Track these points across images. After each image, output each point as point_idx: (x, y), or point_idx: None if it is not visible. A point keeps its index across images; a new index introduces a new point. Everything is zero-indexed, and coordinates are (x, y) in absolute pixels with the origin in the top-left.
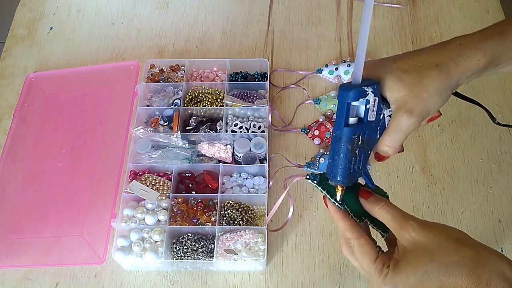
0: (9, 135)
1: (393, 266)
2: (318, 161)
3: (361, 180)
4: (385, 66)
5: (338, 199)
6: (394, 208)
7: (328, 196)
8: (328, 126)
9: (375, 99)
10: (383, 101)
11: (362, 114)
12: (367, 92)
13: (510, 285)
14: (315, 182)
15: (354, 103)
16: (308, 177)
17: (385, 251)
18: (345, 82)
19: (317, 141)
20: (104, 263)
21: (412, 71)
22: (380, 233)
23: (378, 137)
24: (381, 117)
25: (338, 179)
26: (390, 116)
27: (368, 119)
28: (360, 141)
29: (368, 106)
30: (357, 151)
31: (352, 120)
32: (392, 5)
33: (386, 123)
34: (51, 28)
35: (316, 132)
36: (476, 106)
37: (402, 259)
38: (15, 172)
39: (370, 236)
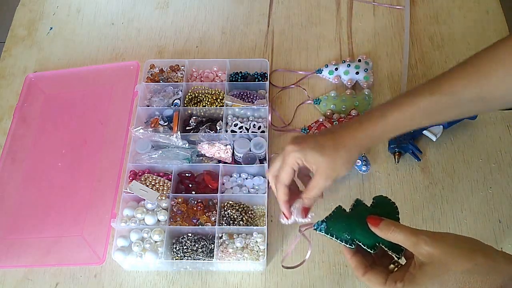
0: (9, 135)
1: (409, 279)
2: None
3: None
4: (307, 141)
5: (396, 162)
6: (404, 228)
7: (338, 241)
8: (327, 126)
9: None
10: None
11: None
12: None
13: None
14: (322, 232)
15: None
16: (315, 228)
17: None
18: (345, 82)
19: None
20: (104, 263)
21: (329, 147)
22: (394, 256)
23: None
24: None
25: (390, 147)
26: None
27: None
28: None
29: None
30: (399, 137)
31: None
32: (392, 6)
33: (421, 130)
34: (51, 28)
35: (316, 133)
36: None
37: (419, 272)
38: (15, 172)
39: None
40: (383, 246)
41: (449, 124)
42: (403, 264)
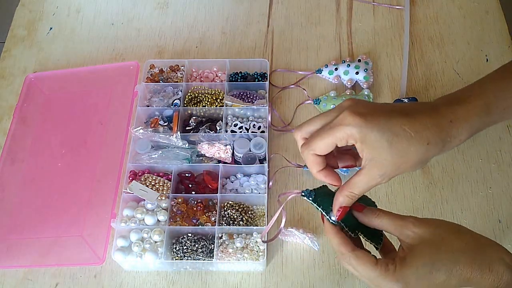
0: (9, 135)
1: (399, 262)
2: None
3: None
4: (373, 118)
5: None
6: (389, 213)
7: (323, 213)
8: None
9: None
10: None
11: None
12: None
13: (509, 268)
14: (310, 199)
15: None
16: (303, 194)
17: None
18: (344, 82)
19: None
20: (104, 264)
21: (403, 139)
22: (374, 245)
23: None
24: None
25: None
26: None
27: None
28: None
29: None
30: None
31: None
32: (392, 6)
33: None
34: (51, 28)
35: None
36: None
37: (409, 254)
38: (15, 172)
39: (363, 248)
40: (361, 236)
41: None
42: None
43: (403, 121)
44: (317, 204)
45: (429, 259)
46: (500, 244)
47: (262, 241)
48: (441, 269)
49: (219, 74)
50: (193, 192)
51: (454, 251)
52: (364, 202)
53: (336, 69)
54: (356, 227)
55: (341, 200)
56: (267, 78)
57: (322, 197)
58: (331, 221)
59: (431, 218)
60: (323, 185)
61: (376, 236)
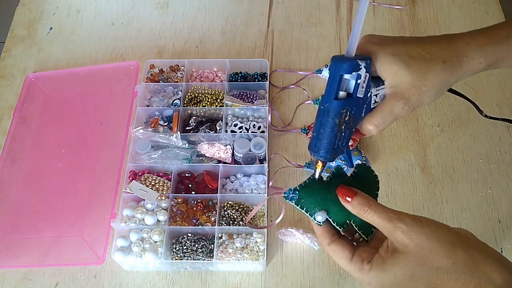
0: (9, 135)
1: (377, 263)
2: None
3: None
4: (389, 45)
5: (317, 176)
6: (380, 211)
7: (307, 215)
8: None
9: (366, 75)
10: (372, 79)
11: (352, 89)
12: (361, 67)
13: None
14: (293, 202)
15: (346, 76)
16: (285, 195)
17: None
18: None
19: None
20: (104, 264)
21: (419, 60)
22: (363, 238)
23: (363, 115)
24: (368, 94)
25: (321, 153)
26: (376, 95)
27: (357, 95)
28: (348, 116)
29: (359, 81)
30: (343, 127)
31: (341, 94)
32: (392, 6)
33: (371, 102)
34: (51, 28)
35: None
36: (475, 104)
37: (391, 258)
38: (15, 172)
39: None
40: (353, 225)
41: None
42: (369, 239)
43: (418, 44)
44: (300, 207)
45: (410, 271)
46: (499, 259)
47: (245, 224)
48: (420, 281)
49: (219, 74)
50: (193, 192)
51: (439, 268)
52: (365, 180)
53: None
54: (347, 217)
55: (364, 127)
56: (267, 78)
57: (307, 196)
58: (316, 222)
59: (426, 224)
60: (310, 177)
61: (369, 226)
